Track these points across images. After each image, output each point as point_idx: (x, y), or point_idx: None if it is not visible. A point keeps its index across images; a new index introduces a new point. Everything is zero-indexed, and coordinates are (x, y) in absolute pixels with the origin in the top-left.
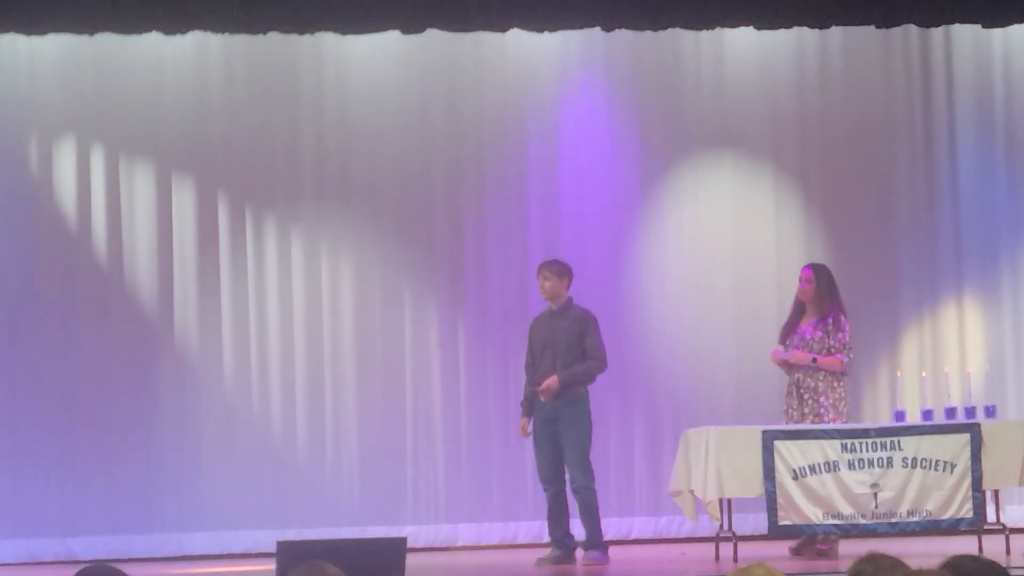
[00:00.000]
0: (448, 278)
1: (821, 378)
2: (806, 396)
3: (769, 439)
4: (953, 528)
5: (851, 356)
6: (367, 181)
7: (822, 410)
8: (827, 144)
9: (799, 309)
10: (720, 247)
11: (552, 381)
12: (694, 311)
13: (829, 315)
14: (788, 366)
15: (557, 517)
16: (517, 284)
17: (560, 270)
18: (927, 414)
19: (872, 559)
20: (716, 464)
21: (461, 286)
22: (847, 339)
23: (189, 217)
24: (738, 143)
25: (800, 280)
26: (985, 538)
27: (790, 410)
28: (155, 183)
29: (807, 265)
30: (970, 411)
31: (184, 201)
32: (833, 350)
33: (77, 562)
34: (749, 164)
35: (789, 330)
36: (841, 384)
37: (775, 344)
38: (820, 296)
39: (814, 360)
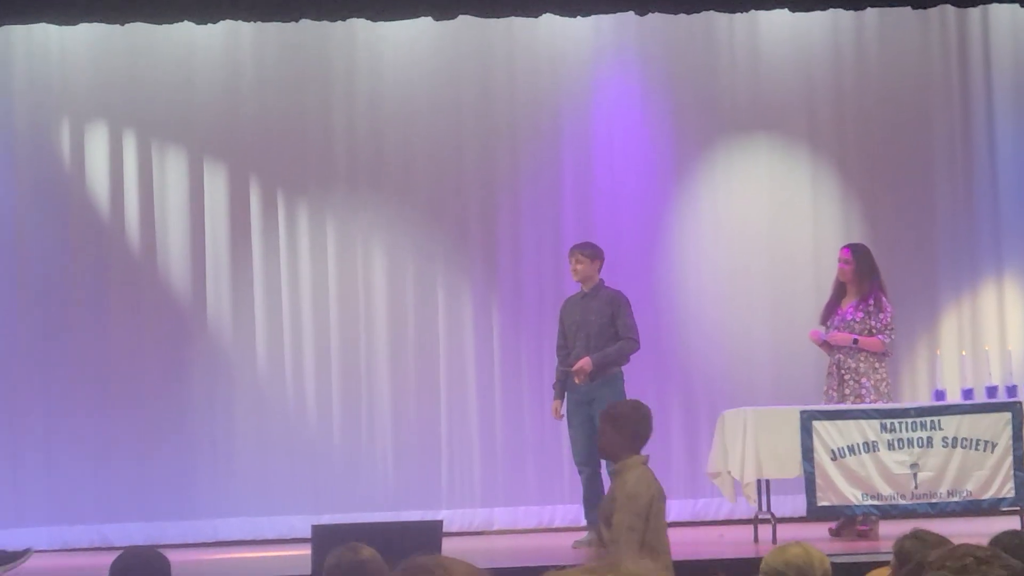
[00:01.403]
0: (481, 262)
1: (863, 359)
2: (847, 377)
3: (807, 420)
4: (994, 508)
5: (892, 337)
6: (400, 166)
7: (864, 391)
8: (863, 125)
9: (840, 290)
10: (756, 229)
11: (586, 362)
12: (730, 292)
13: (870, 296)
14: (828, 347)
15: (593, 499)
16: (551, 267)
17: (592, 252)
18: (967, 393)
19: (917, 536)
20: (754, 445)
21: (494, 270)
22: (888, 320)
23: (221, 203)
24: (773, 125)
25: (839, 261)
26: None
27: (830, 391)
28: (187, 170)
29: (846, 246)
30: (1011, 390)
31: (216, 187)
32: (874, 331)
33: (111, 548)
34: (784, 146)
35: (830, 311)
36: (883, 365)
37: (812, 325)
38: (860, 277)
39: (855, 341)
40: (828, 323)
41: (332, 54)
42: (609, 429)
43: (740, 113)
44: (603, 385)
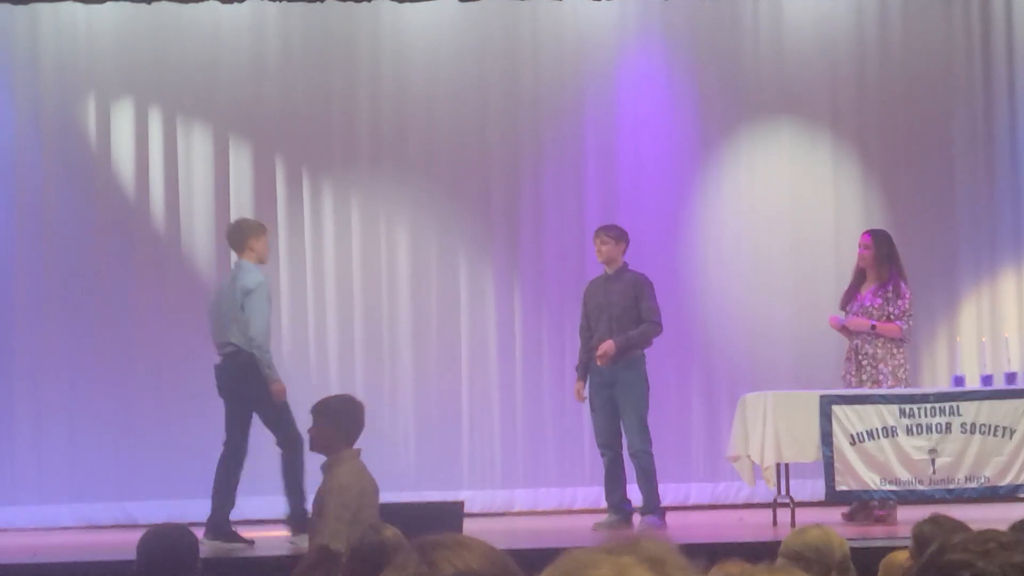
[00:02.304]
0: (504, 244)
1: (880, 345)
2: (865, 363)
3: (827, 404)
4: (1012, 495)
5: (911, 323)
6: (423, 146)
7: (881, 377)
8: (886, 110)
9: (860, 276)
10: (778, 213)
11: (608, 345)
12: (752, 276)
13: (889, 282)
14: (848, 332)
15: (614, 482)
16: (574, 249)
17: (617, 235)
18: (986, 379)
19: (935, 520)
20: (773, 429)
21: (517, 252)
22: (907, 306)
23: (246, 182)
24: (796, 109)
25: (859, 247)
26: None
27: (848, 376)
28: (212, 148)
29: (866, 231)
30: None
31: (241, 166)
32: (892, 317)
33: (135, 526)
34: (808, 130)
35: (849, 297)
36: (901, 351)
37: (833, 308)
38: (879, 263)
39: (873, 327)
40: (847, 308)
41: (357, 34)
42: (322, 423)
43: (764, 97)
44: (625, 368)
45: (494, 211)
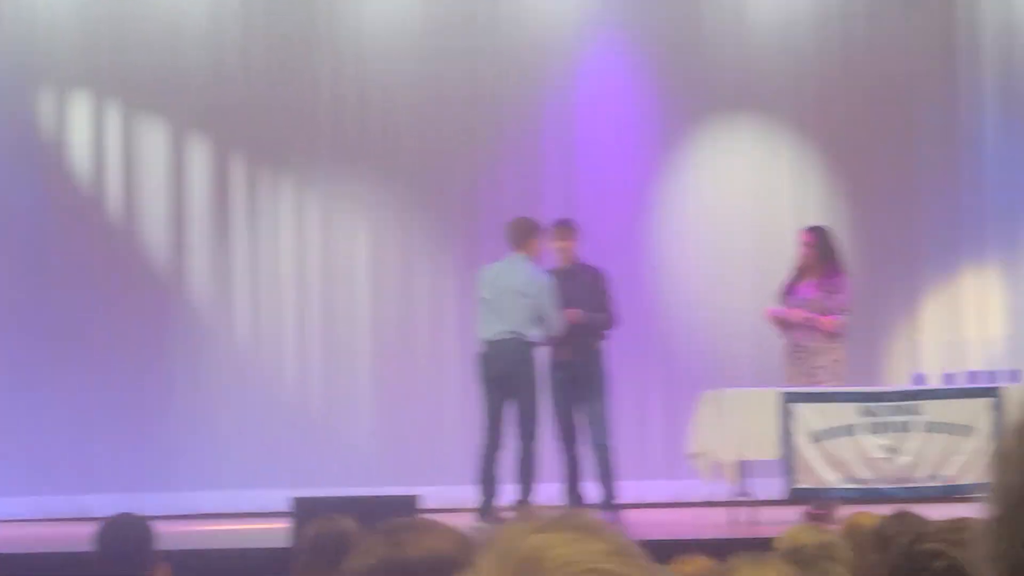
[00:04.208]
0: (463, 238)
1: (817, 338)
2: (802, 356)
3: (787, 402)
4: (973, 493)
5: (848, 318)
6: (383, 142)
7: (816, 371)
8: (849, 107)
9: (800, 269)
10: (740, 208)
11: (575, 312)
12: (713, 271)
13: (830, 277)
14: (784, 325)
15: (572, 477)
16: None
17: (576, 229)
18: (948, 378)
19: (899, 516)
20: (733, 426)
21: (477, 246)
22: (846, 301)
23: (204, 175)
24: (759, 104)
25: (801, 244)
26: None
27: (787, 370)
28: (170, 140)
29: (806, 229)
30: (991, 375)
31: (199, 158)
32: (830, 311)
33: (92, 519)
34: (770, 125)
35: (788, 290)
36: (838, 346)
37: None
38: (821, 258)
39: (808, 319)
40: (786, 301)
41: (317, 29)
42: None
43: (726, 92)
44: (587, 363)
45: (453, 206)
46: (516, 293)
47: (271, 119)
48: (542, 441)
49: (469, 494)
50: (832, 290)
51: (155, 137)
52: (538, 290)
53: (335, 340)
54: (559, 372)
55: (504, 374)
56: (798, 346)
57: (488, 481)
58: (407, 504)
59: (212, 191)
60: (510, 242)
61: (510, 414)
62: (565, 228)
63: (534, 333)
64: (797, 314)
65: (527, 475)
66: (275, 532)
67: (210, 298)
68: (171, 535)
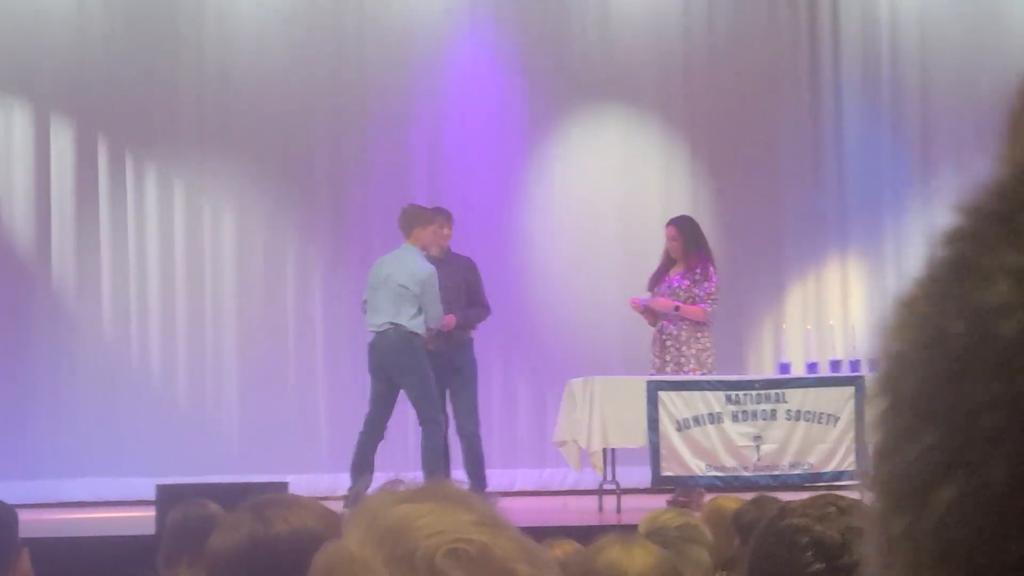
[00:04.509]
0: (330, 226)
1: (684, 327)
2: (669, 344)
3: (653, 390)
4: (835, 481)
5: (715, 307)
6: (250, 128)
7: (683, 359)
8: (714, 98)
9: (669, 261)
10: (606, 197)
11: (451, 319)
12: (580, 260)
13: (697, 265)
14: (652, 314)
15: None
16: (400, 233)
17: (449, 217)
18: (811, 367)
19: (757, 502)
20: (600, 415)
21: (344, 235)
22: (713, 289)
23: (68, 161)
24: (625, 94)
25: (667, 239)
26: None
27: (654, 358)
28: (33, 125)
29: (669, 223)
30: (854, 364)
31: (63, 144)
32: (697, 299)
33: None
34: (636, 115)
35: (657, 279)
36: (705, 335)
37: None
38: (687, 250)
39: (676, 308)
40: (655, 290)
41: (182, 12)
42: None
43: (592, 81)
44: (458, 351)
45: (321, 194)
46: (397, 285)
47: (135, 105)
48: (444, 426)
49: (339, 482)
50: (699, 279)
51: (17, 120)
52: (419, 282)
53: (201, 326)
54: (429, 361)
55: (384, 364)
56: (666, 335)
57: (360, 468)
58: (276, 491)
59: (76, 176)
60: (401, 231)
61: (392, 403)
62: (446, 217)
63: (416, 323)
64: (665, 303)
65: (435, 462)
66: (140, 520)
67: (74, 284)
68: (35, 523)
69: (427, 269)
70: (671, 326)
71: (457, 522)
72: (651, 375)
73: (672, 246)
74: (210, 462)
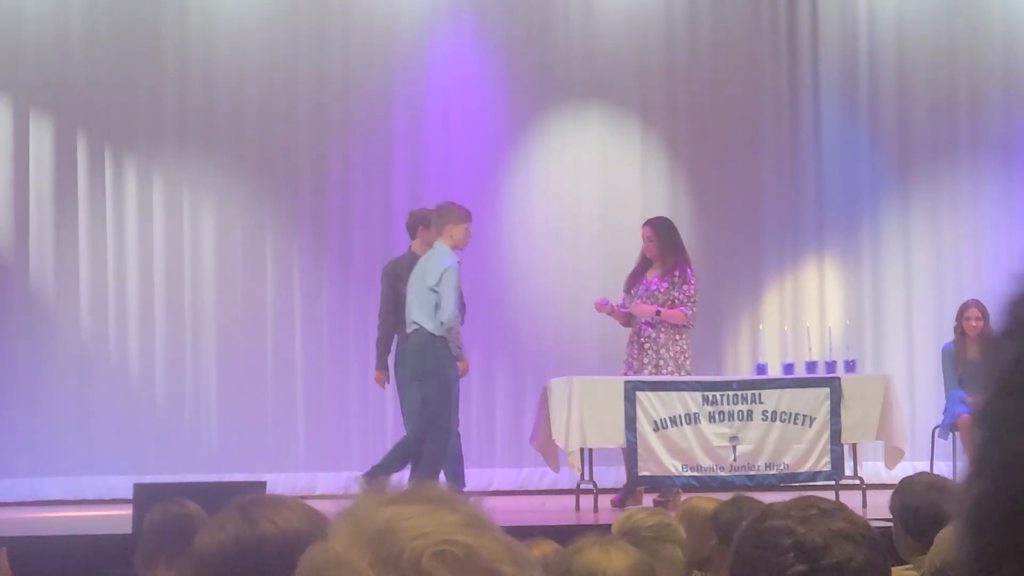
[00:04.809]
0: (311, 225)
1: (664, 330)
2: (647, 346)
3: (631, 390)
4: (810, 481)
5: (695, 309)
6: (231, 126)
7: (662, 362)
8: (694, 99)
9: (645, 262)
10: (587, 197)
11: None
12: (559, 261)
13: (675, 268)
14: (625, 316)
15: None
16: (380, 232)
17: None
18: (788, 368)
19: (736, 502)
20: (578, 414)
21: (324, 233)
22: (692, 292)
23: (47, 156)
24: (606, 95)
25: (644, 239)
26: (842, 493)
27: (630, 359)
28: (12, 120)
29: (645, 224)
30: (830, 365)
31: (42, 139)
32: (677, 302)
33: None
34: (617, 116)
35: (634, 280)
36: (683, 337)
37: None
38: (663, 251)
39: (658, 312)
40: (633, 291)
41: (164, 10)
42: None
43: (574, 81)
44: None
45: (301, 192)
46: (412, 286)
47: (116, 103)
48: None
49: (317, 481)
50: (678, 282)
51: None
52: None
53: (180, 324)
54: (404, 370)
55: (407, 367)
56: (644, 337)
57: (387, 467)
58: (254, 490)
59: (55, 173)
60: (408, 233)
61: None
62: (423, 217)
63: (434, 326)
64: (646, 309)
65: (430, 469)
66: (117, 519)
67: (52, 282)
68: (11, 522)
69: (428, 267)
70: (650, 329)
71: (443, 524)
72: (625, 375)
73: (648, 247)
74: (188, 460)
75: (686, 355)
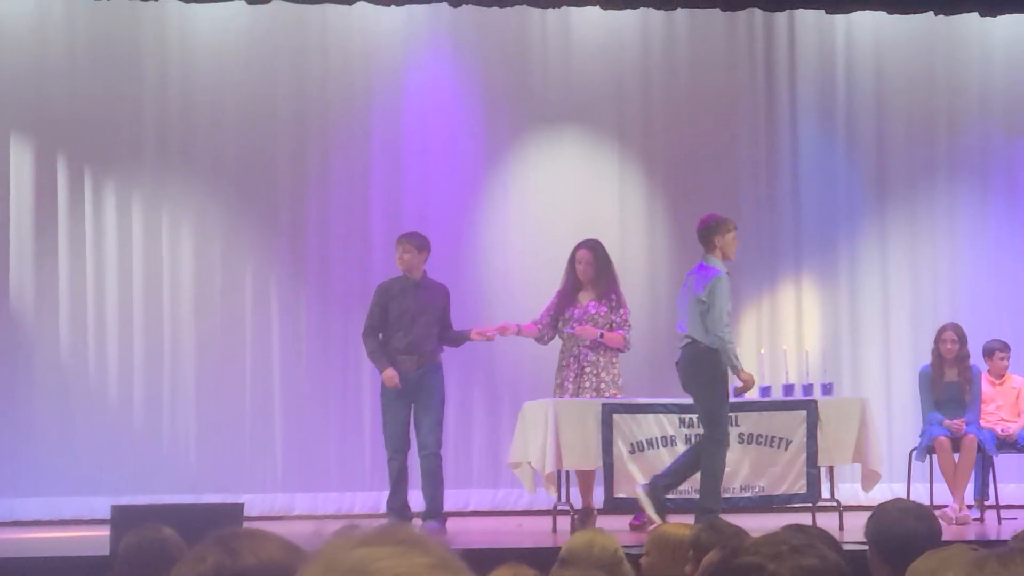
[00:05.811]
0: (289, 248)
1: (603, 353)
2: (588, 370)
3: (608, 413)
4: (786, 504)
5: (630, 332)
6: (210, 148)
7: (604, 385)
8: (671, 123)
9: (576, 284)
10: (564, 220)
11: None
12: (536, 284)
13: (611, 292)
14: (540, 334)
15: (399, 486)
16: (358, 255)
17: (420, 243)
18: (764, 391)
19: (714, 526)
20: (555, 436)
21: (302, 256)
22: (627, 315)
23: (27, 177)
24: (583, 119)
25: (578, 262)
26: (819, 515)
27: (566, 383)
28: None
29: (582, 247)
30: (807, 388)
31: (23, 163)
32: (615, 325)
33: None
34: (593, 140)
35: (567, 304)
36: (617, 359)
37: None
38: (599, 275)
39: (601, 336)
40: (566, 314)
41: (144, 32)
42: None
43: (551, 106)
44: (431, 372)
45: (280, 215)
46: (681, 300)
47: (96, 124)
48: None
49: (294, 502)
50: (615, 305)
51: None
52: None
53: (158, 345)
54: (402, 383)
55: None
56: (587, 362)
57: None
58: (232, 512)
59: (35, 194)
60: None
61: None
62: (410, 242)
63: (708, 339)
64: (589, 331)
65: (713, 478)
66: (95, 540)
67: (32, 301)
68: None
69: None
70: (592, 354)
71: (413, 565)
72: (558, 398)
73: (585, 269)
74: (166, 481)
75: (620, 376)
